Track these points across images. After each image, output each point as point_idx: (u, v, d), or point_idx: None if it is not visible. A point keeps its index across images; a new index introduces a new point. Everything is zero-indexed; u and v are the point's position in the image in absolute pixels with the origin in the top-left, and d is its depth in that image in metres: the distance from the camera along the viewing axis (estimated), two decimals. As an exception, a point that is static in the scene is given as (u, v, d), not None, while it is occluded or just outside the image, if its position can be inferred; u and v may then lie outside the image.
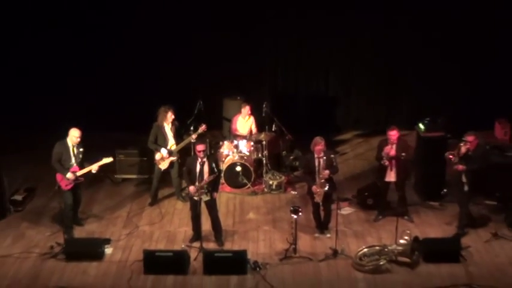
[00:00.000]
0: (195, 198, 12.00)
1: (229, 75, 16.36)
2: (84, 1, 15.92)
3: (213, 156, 13.71)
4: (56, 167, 12.29)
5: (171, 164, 13.58)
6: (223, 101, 16.06)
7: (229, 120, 15.31)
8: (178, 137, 13.59)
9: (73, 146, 12.21)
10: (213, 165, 12.05)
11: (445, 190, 12.95)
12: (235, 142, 14.61)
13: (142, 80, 16.29)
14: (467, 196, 12.23)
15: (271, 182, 14.33)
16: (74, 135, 12.20)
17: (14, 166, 14.85)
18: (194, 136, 13.47)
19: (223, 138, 15.16)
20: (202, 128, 13.52)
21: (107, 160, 12.40)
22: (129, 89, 16.37)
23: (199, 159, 11.96)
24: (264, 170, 14.64)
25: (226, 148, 14.64)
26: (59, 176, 12.30)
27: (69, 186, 12.33)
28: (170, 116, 13.36)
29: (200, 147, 11.96)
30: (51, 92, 16.31)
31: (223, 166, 14.33)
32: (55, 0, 15.92)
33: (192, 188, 11.99)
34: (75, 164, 12.27)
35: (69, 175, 12.24)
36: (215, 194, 12.25)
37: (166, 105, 13.42)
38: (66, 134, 12.31)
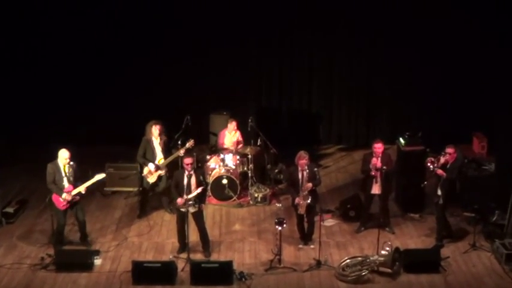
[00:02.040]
0: (182, 210, 11.91)
1: (216, 91, 16.28)
2: (77, 17, 15.67)
3: (201, 169, 13.67)
4: (52, 188, 12.11)
5: (159, 177, 13.46)
6: (210, 117, 15.96)
7: (216, 135, 15.19)
8: (166, 151, 13.45)
9: (64, 166, 12.02)
10: (201, 177, 12.00)
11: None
12: (222, 156, 14.49)
13: (133, 94, 16.16)
14: (442, 208, 12.20)
15: (256, 195, 14.27)
16: (63, 157, 12.01)
17: (9, 179, 14.73)
18: (182, 151, 13.27)
19: (210, 153, 15.06)
20: (190, 143, 13.38)
21: (100, 176, 12.24)
22: (119, 103, 16.20)
23: (187, 172, 11.92)
24: (250, 183, 14.57)
25: (213, 162, 14.56)
26: (55, 197, 12.13)
27: (65, 206, 12.16)
28: (158, 130, 13.23)
29: (188, 160, 11.93)
30: (46, 104, 16.11)
31: (210, 179, 14.25)
32: (47, 18, 15.71)
33: (179, 200, 11.90)
34: (67, 184, 12.08)
35: (65, 195, 12.05)
36: (202, 205, 12.18)
37: (154, 119, 13.32)
38: (56, 155, 12.09)
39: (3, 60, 15.83)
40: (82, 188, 12.11)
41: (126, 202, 14.34)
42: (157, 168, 13.35)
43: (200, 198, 12.05)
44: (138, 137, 13.54)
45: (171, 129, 13.95)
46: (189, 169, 11.86)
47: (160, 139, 13.35)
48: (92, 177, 12.16)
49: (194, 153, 13.95)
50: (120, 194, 14.59)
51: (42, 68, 16.06)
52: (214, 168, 14.49)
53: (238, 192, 14.27)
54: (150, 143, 13.31)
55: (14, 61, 15.97)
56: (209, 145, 15.84)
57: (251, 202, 14.28)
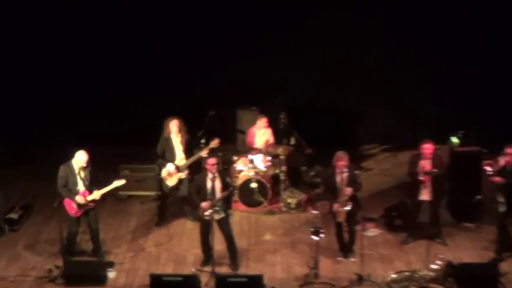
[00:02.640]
0: (207, 217, 11.88)
1: (243, 84, 16.32)
2: (86, 9, 16.03)
3: (226, 171, 13.71)
4: (63, 193, 12.11)
5: (180, 180, 13.46)
6: (238, 113, 16.08)
7: (244, 133, 15.21)
8: (188, 151, 13.49)
9: (79, 169, 12.05)
10: (227, 179, 11.98)
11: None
12: (251, 157, 14.50)
13: (150, 88, 16.30)
14: (504, 217, 12.02)
15: (289, 200, 14.26)
16: (81, 160, 12.02)
17: (11, 181, 14.80)
18: (205, 151, 13.31)
19: (237, 153, 15.08)
20: (215, 142, 13.39)
21: (119, 183, 12.27)
22: (134, 99, 16.37)
23: (211, 175, 11.88)
24: (282, 187, 14.56)
25: (240, 163, 14.59)
26: (66, 202, 12.15)
27: (78, 213, 12.19)
28: (176, 126, 13.29)
29: (212, 160, 11.91)
30: (52, 103, 16.38)
31: (238, 182, 14.25)
32: (59, 15, 16.08)
33: (204, 204, 11.84)
34: (83, 189, 12.12)
35: (79, 198, 12.06)
36: (228, 211, 12.20)
37: (173, 115, 13.39)
38: (71, 156, 12.12)
39: (6, 55, 16.18)
40: (98, 195, 12.16)
41: (143, 208, 14.41)
42: (178, 169, 13.36)
43: (226, 204, 12.06)
44: (156, 136, 13.56)
45: (193, 126, 13.91)
46: (213, 171, 11.84)
47: (181, 137, 13.37)
48: (109, 183, 12.21)
49: (219, 154, 13.88)
50: (136, 198, 14.66)
51: (44, 64, 16.27)
52: (242, 171, 14.49)
53: (269, 198, 14.26)
54: (169, 141, 13.33)
55: (13, 58, 16.24)
56: (236, 145, 15.87)
57: (283, 209, 14.26)
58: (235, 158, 14.76)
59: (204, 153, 13.29)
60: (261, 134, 14.66)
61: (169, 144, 13.36)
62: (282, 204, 14.36)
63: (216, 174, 11.92)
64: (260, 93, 16.39)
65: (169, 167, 13.36)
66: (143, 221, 13.93)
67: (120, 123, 16.45)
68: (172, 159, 13.39)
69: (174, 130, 13.31)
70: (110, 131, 16.32)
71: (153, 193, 14.43)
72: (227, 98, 16.04)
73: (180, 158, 13.41)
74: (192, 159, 13.44)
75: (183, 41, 16.17)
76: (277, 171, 14.63)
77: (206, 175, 11.93)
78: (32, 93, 16.45)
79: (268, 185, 14.25)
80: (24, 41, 16.25)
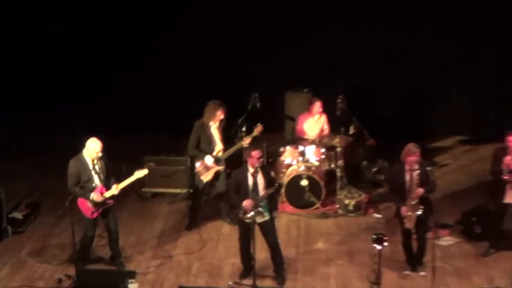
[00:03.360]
0: (247, 220, 11.75)
1: (293, 62, 16.36)
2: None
3: (270, 165, 13.71)
4: (75, 192, 12.05)
5: (217, 174, 13.47)
6: (286, 95, 16.17)
7: (294, 120, 15.24)
8: (226, 141, 13.52)
9: (93, 161, 12.01)
10: (272, 175, 11.95)
11: None
12: (301, 148, 14.48)
13: (180, 66, 16.42)
14: None
15: (347, 202, 14.18)
16: (93, 150, 11.95)
17: (16, 175, 14.94)
18: (247, 140, 13.38)
19: (285, 143, 14.96)
20: (258, 129, 13.48)
21: (141, 173, 12.20)
22: (161, 79, 16.56)
23: (252, 170, 11.79)
24: (338, 185, 14.50)
25: (288, 156, 14.53)
26: (81, 202, 12.13)
27: (95, 214, 12.17)
28: (220, 114, 13.32)
29: (255, 153, 11.76)
30: (64, 87, 16.64)
31: (285, 179, 14.24)
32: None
33: (246, 203, 11.72)
34: (99, 184, 12.10)
35: (95, 196, 12.02)
36: (275, 212, 12.09)
37: (216, 100, 13.37)
38: (82, 146, 12.12)
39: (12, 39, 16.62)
40: (116, 190, 12.10)
41: (171, 208, 14.49)
42: (217, 161, 13.39)
43: (271, 204, 11.96)
44: (186, 124, 13.62)
45: (233, 111, 13.89)
46: (256, 165, 11.73)
47: (219, 125, 13.44)
48: (130, 174, 12.13)
49: (264, 144, 13.93)
50: (162, 197, 14.78)
51: (54, 42, 16.59)
52: (290, 165, 14.47)
53: (322, 198, 14.25)
54: (206, 129, 13.34)
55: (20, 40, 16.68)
56: (283, 134, 15.91)
57: (340, 211, 14.23)
58: (282, 149, 14.67)
59: (246, 142, 13.35)
60: (313, 121, 14.67)
61: (206, 132, 13.34)
62: (337, 206, 14.31)
63: (259, 170, 11.84)
64: (313, 72, 16.39)
65: (207, 159, 13.33)
66: (171, 223, 13.97)
67: (145, 109, 16.57)
68: (209, 150, 13.36)
69: (215, 117, 13.29)
70: (132, 118, 16.47)
71: (183, 190, 14.56)
72: (274, 77, 16.14)
73: (219, 149, 13.43)
74: (233, 149, 13.47)
75: (231, 19, 16.31)
76: (333, 166, 14.58)
77: (247, 170, 11.85)
78: (44, 75, 16.69)
79: (322, 183, 14.19)
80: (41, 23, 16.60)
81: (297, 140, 14.74)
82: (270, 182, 11.92)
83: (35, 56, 16.59)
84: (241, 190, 11.86)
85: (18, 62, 16.57)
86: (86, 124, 15.01)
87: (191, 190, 13.98)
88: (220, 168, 13.48)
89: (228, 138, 13.67)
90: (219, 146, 13.45)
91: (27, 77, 16.68)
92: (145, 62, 16.54)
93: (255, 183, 11.81)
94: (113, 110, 16.63)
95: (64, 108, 16.59)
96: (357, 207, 14.16)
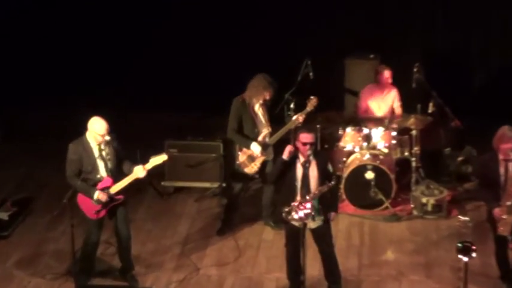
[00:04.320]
0: (296, 223, 11.47)
1: (355, 20, 16.58)
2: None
3: (326, 153, 13.54)
4: (75, 185, 12.05)
5: (263, 166, 13.42)
6: (346, 63, 16.26)
7: (356, 95, 15.23)
8: (272, 122, 13.67)
9: (99, 145, 12.02)
10: (329, 167, 11.70)
11: None
12: (366, 131, 14.41)
13: (211, 28, 16.83)
14: None
15: (424, 200, 13.99)
16: (96, 133, 11.92)
17: (1, 163, 15.25)
18: (301, 118, 13.22)
19: (345, 124, 14.81)
20: (312, 102, 13.27)
21: (158, 159, 12.14)
22: (188, 44, 16.93)
23: (303, 159, 11.52)
24: (413, 179, 14.38)
25: (349, 141, 14.44)
26: (81, 200, 12.16)
27: (100, 214, 12.17)
28: (267, 95, 13.31)
29: (305, 137, 11.49)
30: (64, 57, 17.12)
31: (345, 171, 14.22)
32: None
33: (298, 203, 11.46)
34: (105, 175, 12.11)
35: (99, 195, 11.98)
36: (332, 215, 11.81)
37: (267, 76, 13.41)
38: (84, 127, 12.17)
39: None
40: (129, 181, 12.07)
41: (199, 207, 14.52)
42: (266, 148, 13.36)
43: (329, 204, 11.75)
44: (220, 102, 13.72)
45: (280, 83, 13.70)
46: (308, 152, 11.43)
47: (264, 103, 13.46)
48: (146, 161, 12.13)
49: (317, 126, 14.15)
50: (188, 192, 14.86)
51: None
52: (351, 153, 14.45)
53: (392, 195, 14.14)
54: (248, 109, 13.32)
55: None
56: (343, 112, 15.97)
57: (415, 212, 14.12)
58: (340, 132, 14.63)
59: (300, 120, 13.21)
60: (381, 96, 14.62)
61: (248, 112, 13.32)
62: (412, 206, 14.19)
63: (311, 159, 11.54)
64: (381, 33, 16.57)
65: (254, 147, 13.28)
66: (198, 226, 13.97)
67: (168, 81, 16.91)
68: (252, 135, 13.35)
69: (263, 96, 13.27)
70: (152, 91, 16.93)
71: (214, 185, 14.64)
72: (330, 41, 16.33)
73: (265, 133, 13.45)
74: (283, 131, 13.39)
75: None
76: (406, 154, 14.52)
77: (296, 158, 11.61)
78: (39, 39, 17.21)
79: (392, 176, 14.06)
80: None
81: (360, 120, 14.65)
82: (325, 175, 11.62)
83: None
84: (288, 183, 11.67)
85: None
86: (91, 99, 15.26)
87: (224, 184, 14.13)
88: (269, 157, 13.43)
89: (273, 118, 13.66)
90: (265, 129, 13.45)
91: (19, 45, 17.17)
92: (168, 19, 17.04)
93: (306, 176, 11.55)
94: (126, 81, 16.90)
95: (64, 79, 16.91)
96: (437, 208, 14.02)
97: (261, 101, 13.46)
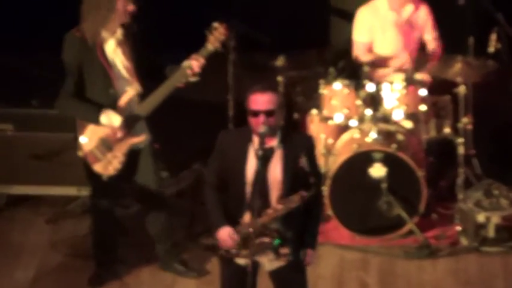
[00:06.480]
0: (242, 260, 10.24)
1: None
2: None
3: (305, 136, 12.04)
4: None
5: (133, 157, 12.39)
6: None
7: (350, 20, 14.12)
8: (149, 72, 12.73)
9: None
10: (305, 161, 10.25)
11: None
12: (369, 87, 12.97)
13: None
14: None
15: (481, 218, 12.61)
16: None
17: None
18: (197, 62, 11.91)
19: (331, 76, 13.56)
20: (217, 33, 11.97)
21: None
22: None
23: (256, 139, 10.07)
24: (461, 178, 13.03)
25: (338, 105, 13.15)
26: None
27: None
28: (129, 11, 12.23)
29: (257, 99, 10.20)
30: None
31: (331, 164, 12.76)
32: None
33: (225, 233, 10.28)
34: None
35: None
36: (308, 255, 10.25)
37: None
38: None
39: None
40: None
41: (54, 235, 14.06)
42: (129, 124, 12.24)
43: (301, 230, 10.49)
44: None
45: None
46: (261, 129, 9.99)
47: (127, 35, 12.48)
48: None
49: (279, 78, 13.05)
50: (34, 206, 14.45)
51: None
52: (343, 128, 13.13)
53: (421, 209, 12.66)
54: (94, 52, 12.28)
55: None
56: (327, 51, 15.15)
57: (464, 241, 12.70)
58: (324, 89, 13.25)
59: (194, 66, 12.22)
60: (399, 19, 13.37)
61: (94, 58, 12.39)
62: (459, 229, 12.62)
63: (275, 142, 10.12)
64: None
65: (107, 119, 12.28)
66: (52, 270, 13.39)
67: None
68: (107, 99, 12.31)
69: (120, 14, 12.30)
70: None
71: (83, 191, 13.78)
72: None
73: (130, 94, 12.41)
74: (164, 91, 12.48)
75: None
76: (448, 131, 13.01)
77: (245, 139, 10.42)
78: None
79: (421, 173, 12.34)
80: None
81: (358, 66, 13.12)
82: (298, 176, 10.12)
83: None
84: (232, 188, 10.35)
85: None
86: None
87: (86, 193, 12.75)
88: (140, 139, 11.89)
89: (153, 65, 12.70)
90: (130, 87, 12.11)
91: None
92: None
93: (260, 178, 10.05)
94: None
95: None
96: (506, 233, 12.67)
97: (118, 33, 12.12)
